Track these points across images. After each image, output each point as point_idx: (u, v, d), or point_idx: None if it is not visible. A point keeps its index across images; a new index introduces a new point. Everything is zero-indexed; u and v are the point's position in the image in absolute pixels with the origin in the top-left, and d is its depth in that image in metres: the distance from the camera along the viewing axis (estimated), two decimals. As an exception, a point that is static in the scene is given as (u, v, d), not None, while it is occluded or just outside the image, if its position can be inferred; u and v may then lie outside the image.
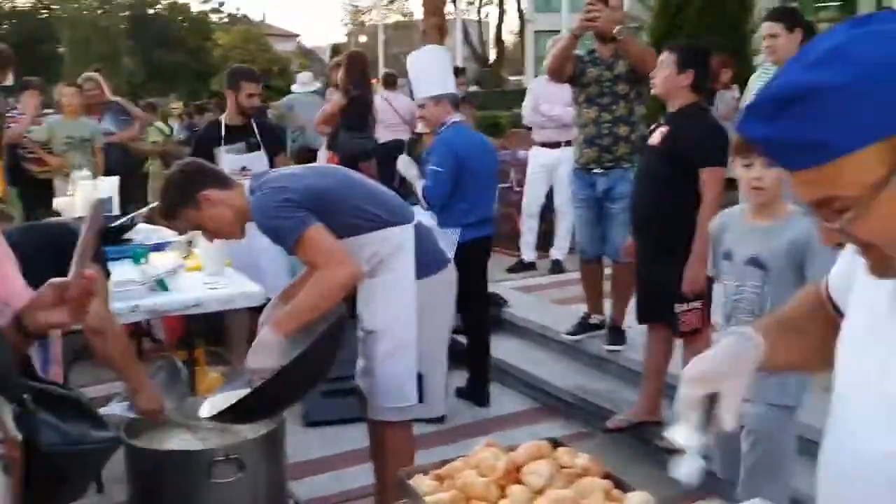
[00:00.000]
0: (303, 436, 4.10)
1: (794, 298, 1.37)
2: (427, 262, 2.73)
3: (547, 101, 6.29)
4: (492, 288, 5.61)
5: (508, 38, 28.35)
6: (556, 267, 6.56)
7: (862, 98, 0.88)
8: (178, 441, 2.56)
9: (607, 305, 4.69)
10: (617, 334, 4.58)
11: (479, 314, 4.53)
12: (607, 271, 4.73)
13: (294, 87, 8.88)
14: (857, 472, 1.05)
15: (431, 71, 4.39)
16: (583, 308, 4.87)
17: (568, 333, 4.80)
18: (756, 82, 4.66)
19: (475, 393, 4.53)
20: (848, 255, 1.18)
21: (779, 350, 1.23)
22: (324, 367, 2.48)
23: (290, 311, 2.56)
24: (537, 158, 6.55)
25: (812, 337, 1.26)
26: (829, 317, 1.25)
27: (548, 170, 6.41)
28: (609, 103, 4.43)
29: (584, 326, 4.77)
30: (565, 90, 6.13)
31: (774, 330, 1.26)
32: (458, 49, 13.47)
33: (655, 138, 3.62)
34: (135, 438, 2.47)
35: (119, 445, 1.77)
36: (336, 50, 15.40)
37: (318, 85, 9.03)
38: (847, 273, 1.18)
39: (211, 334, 4.63)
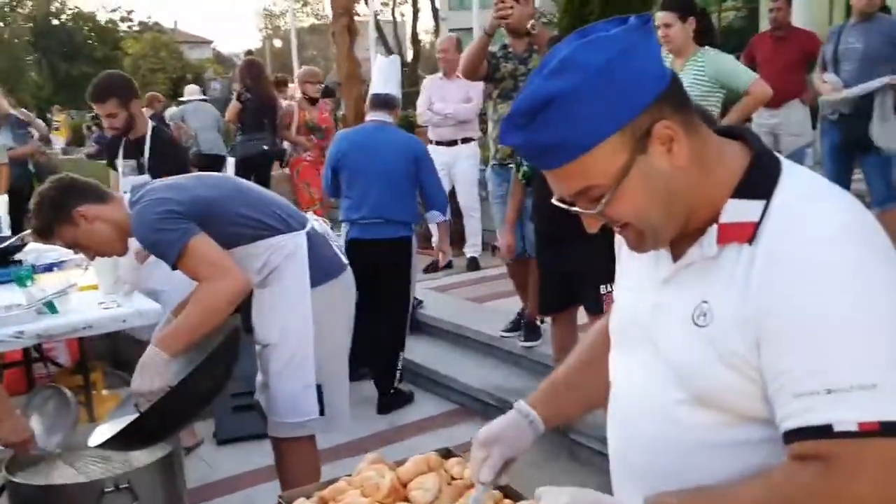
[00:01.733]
0: (214, 455, 3.96)
1: (584, 340, 1.52)
2: (321, 269, 2.64)
3: (441, 99, 6.30)
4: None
5: (424, 37, 28.35)
6: (473, 265, 6.52)
7: (591, 99, 1.03)
8: (64, 474, 2.41)
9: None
10: (532, 330, 4.56)
11: (376, 317, 4.20)
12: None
13: (183, 98, 9.52)
14: (646, 419, 1.19)
15: (375, 77, 4.77)
16: (501, 305, 4.82)
17: (503, 331, 4.71)
18: None
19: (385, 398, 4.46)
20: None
21: (559, 411, 1.46)
22: (218, 384, 2.36)
23: (176, 328, 2.43)
24: (433, 157, 6.50)
25: (594, 385, 1.40)
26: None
27: (446, 168, 6.35)
28: None
29: (518, 324, 4.71)
30: (461, 87, 6.14)
31: (553, 397, 1.45)
32: (372, 50, 13.32)
33: None
34: (19, 474, 2.32)
35: None
36: (249, 55, 15.15)
37: (218, 90, 9.47)
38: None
39: (116, 356, 4.44)
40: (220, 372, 2.31)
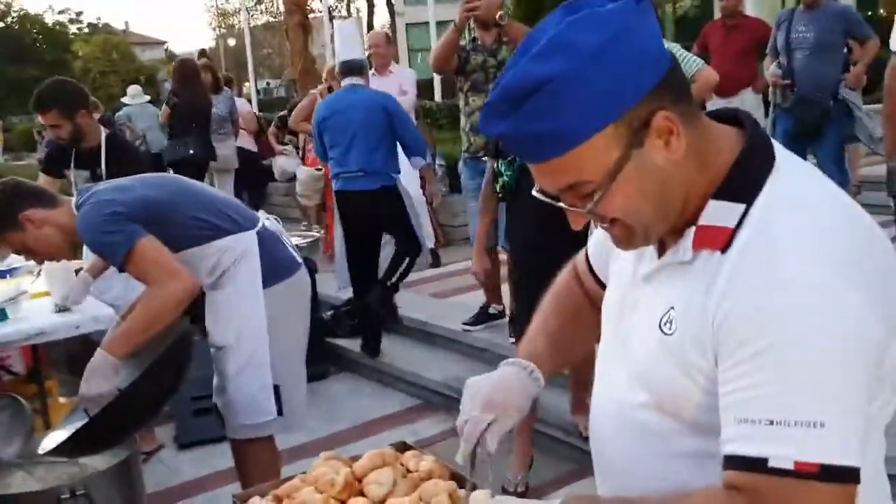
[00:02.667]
0: (175, 458, 3.92)
1: (552, 294, 1.43)
2: (274, 268, 2.61)
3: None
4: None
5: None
6: (435, 261, 6.49)
7: (585, 85, 0.92)
8: (21, 483, 2.36)
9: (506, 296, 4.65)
10: (482, 316, 4.62)
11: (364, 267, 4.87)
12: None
13: (125, 100, 9.28)
14: (613, 418, 1.15)
15: (336, 46, 5.03)
16: (465, 300, 4.82)
17: (465, 324, 4.70)
18: None
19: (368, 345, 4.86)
20: (603, 235, 1.25)
21: (553, 366, 1.32)
22: (170, 387, 2.32)
23: (123, 331, 2.39)
24: None
25: (577, 338, 1.37)
26: (588, 299, 1.36)
27: None
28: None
29: (481, 317, 4.71)
30: (393, 82, 6.08)
31: (546, 352, 1.32)
32: (327, 47, 13.22)
33: None
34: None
35: None
36: (203, 54, 14.96)
37: (147, 97, 9.49)
38: (606, 246, 1.22)
39: (74, 362, 4.36)
40: (172, 375, 2.28)
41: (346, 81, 4.76)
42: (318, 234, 7.90)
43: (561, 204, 1.03)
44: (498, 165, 3.08)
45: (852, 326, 0.90)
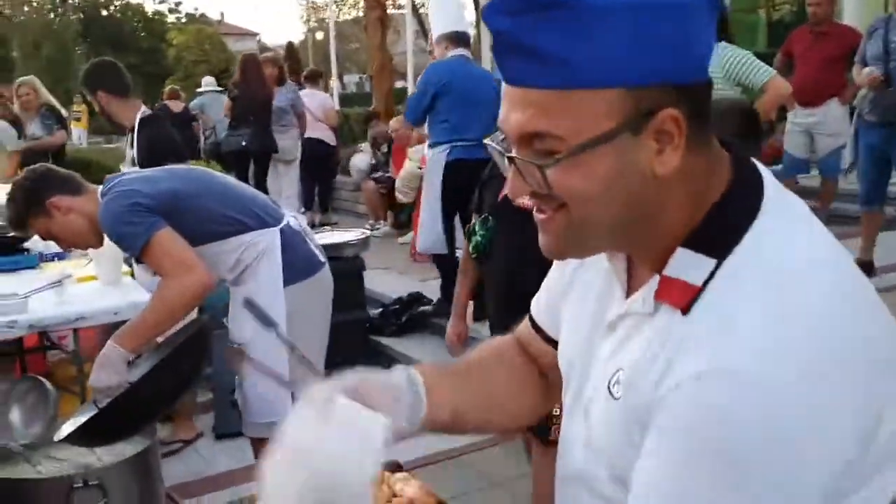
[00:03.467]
0: (211, 449, 3.93)
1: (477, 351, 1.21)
2: (296, 267, 2.57)
3: None
4: (417, 288, 5.48)
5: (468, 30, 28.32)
6: None
7: (618, 27, 0.76)
8: (31, 469, 2.36)
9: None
10: None
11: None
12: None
13: (199, 90, 10.09)
14: (568, 479, 1.00)
15: (436, 14, 5.09)
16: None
17: None
18: None
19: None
20: (556, 275, 1.10)
21: (450, 399, 1.04)
22: (185, 381, 2.28)
23: (135, 324, 2.39)
24: None
25: (496, 385, 1.11)
26: (532, 364, 1.16)
27: None
28: None
29: None
30: None
31: (448, 380, 1.07)
32: (409, 44, 13.22)
33: None
34: (-9, 468, 2.27)
35: None
36: (290, 48, 15.28)
37: (219, 88, 10.21)
38: (559, 290, 1.07)
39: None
40: (187, 369, 2.24)
41: (455, 52, 4.85)
42: (379, 231, 7.90)
43: (511, 154, 0.84)
44: (473, 223, 2.80)
45: (794, 451, 0.73)
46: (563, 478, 1.02)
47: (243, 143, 7.38)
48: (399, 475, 1.51)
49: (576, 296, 1.03)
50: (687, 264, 0.84)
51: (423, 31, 19.56)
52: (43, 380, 2.69)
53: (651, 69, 0.79)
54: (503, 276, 2.67)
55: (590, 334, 0.97)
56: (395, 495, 1.45)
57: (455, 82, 4.77)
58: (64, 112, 7.89)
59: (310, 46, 27.85)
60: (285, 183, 8.09)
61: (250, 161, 7.55)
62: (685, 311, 0.82)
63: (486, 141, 0.92)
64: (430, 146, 5.06)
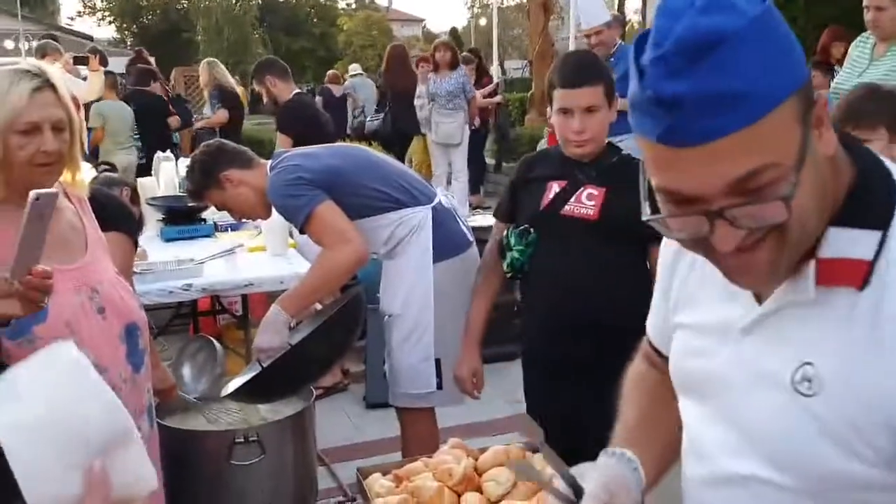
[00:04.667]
0: (363, 417, 4.08)
1: (633, 385, 1.23)
2: (445, 245, 2.64)
3: None
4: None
5: (632, 17, 27.58)
6: None
7: (760, 47, 0.77)
8: (203, 422, 2.55)
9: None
10: None
11: None
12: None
13: (349, 73, 11.11)
14: (719, 493, 0.97)
15: (596, 2, 5.13)
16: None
17: None
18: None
19: None
20: (660, 294, 1.09)
21: (656, 455, 1.11)
22: (339, 349, 2.41)
23: (296, 290, 2.55)
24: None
25: (666, 423, 1.13)
26: (664, 379, 1.12)
27: None
28: None
29: None
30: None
31: (638, 443, 1.11)
32: (571, 30, 13.05)
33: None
34: (166, 418, 2.48)
35: None
36: (453, 33, 15.45)
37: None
38: (662, 312, 1.10)
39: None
40: (341, 338, 2.36)
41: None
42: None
43: (720, 210, 0.80)
44: (508, 234, 2.31)
45: None
46: (706, 482, 1.01)
47: (373, 127, 8.62)
48: (537, 456, 1.52)
49: (688, 309, 1.02)
50: (846, 242, 0.83)
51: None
52: (212, 339, 2.91)
53: (798, 64, 0.81)
54: (545, 302, 2.26)
55: (713, 345, 0.96)
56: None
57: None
58: (240, 92, 8.31)
59: (472, 32, 28.05)
60: (457, 165, 8.25)
61: (384, 143, 8.47)
62: (861, 286, 0.82)
63: (647, 219, 0.87)
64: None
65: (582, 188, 2.21)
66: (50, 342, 1.60)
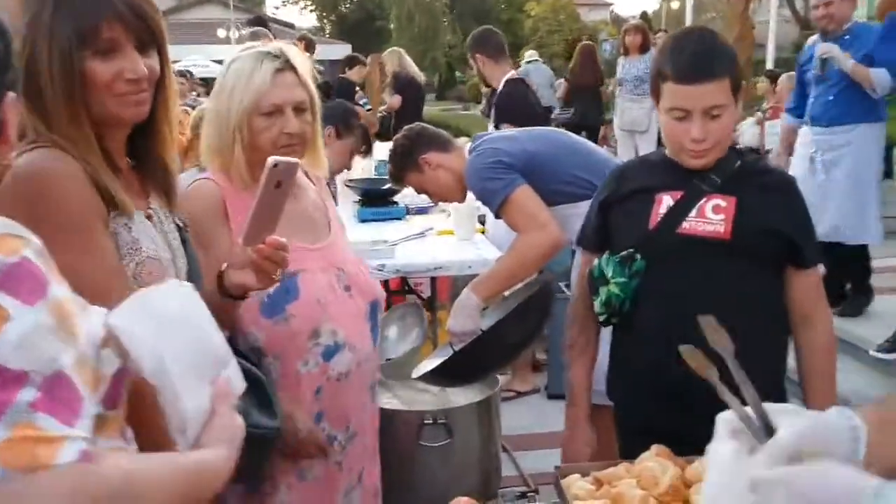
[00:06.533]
0: (542, 407, 4.05)
1: None
2: None
3: None
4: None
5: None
6: None
7: None
8: (395, 401, 2.60)
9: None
10: None
11: None
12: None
13: (524, 59, 11.48)
14: None
15: None
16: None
17: (879, 350, 4.02)
18: None
19: None
20: None
21: (886, 449, 0.92)
22: (528, 336, 2.36)
23: (489, 274, 2.54)
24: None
25: None
26: None
27: None
28: None
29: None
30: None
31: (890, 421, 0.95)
32: (772, 11, 12.26)
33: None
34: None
35: (279, 437, 1.62)
36: (643, 17, 15.06)
37: (608, 52, 12.06)
38: None
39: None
40: (531, 324, 2.31)
41: None
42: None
43: None
44: (601, 265, 1.83)
45: None
46: None
47: (560, 120, 8.89)
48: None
49: None
50: None
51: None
52: (419, 304, 2.97)
53: None
54: (655, 353, 1.69)
55: None
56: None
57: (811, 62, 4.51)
58: (422, 79, 8.58)
59: (664, 16, 27.06)
60: (643, 152, 8.06)
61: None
62: None
63: None
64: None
65: (705, 199, 1.74)
66: (304, 321, 1.69)
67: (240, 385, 1.06)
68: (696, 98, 1.67)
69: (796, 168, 4.59)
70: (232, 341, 1.52)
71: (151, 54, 1.30)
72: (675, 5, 28.11)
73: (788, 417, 0.94)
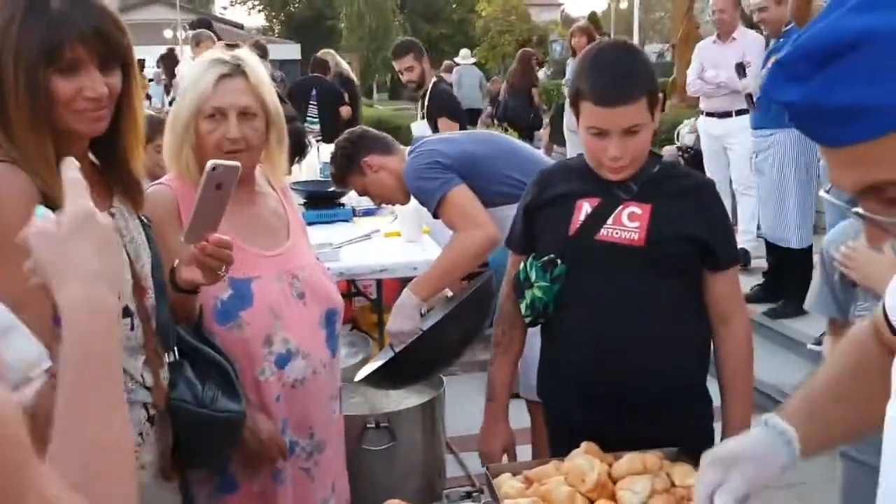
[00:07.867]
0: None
1: (834, 357, 1.19)
2: None
3: (713, 65, 5.44)
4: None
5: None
6: (744, 258, 5.22)
7: None
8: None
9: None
10: None
11: None
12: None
13: (457, 60, 12.31)
14: None
15: None
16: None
17: (817, 344, 4.08)
18: None
19: None
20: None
21: (825, 431, 1.11)
22: (469, 334, 2.38)
23: (427, 274, 2.58)
24: (704, 128, 5.74)
25: (856, 402, 1.10)
26: (881, 363, 1.03)
27: (718, 141, 5.59)
28: None
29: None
30: (736, 52, 5.25)
31: (808, 414, 1.10)
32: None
33: None
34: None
35: (244, 420, 1.65)
36: (592, 18, 15.22)
37: (558, 52, 12.58)
38: None
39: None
40: (472, 323, 2.33)
41: None
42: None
43: (857, 210, 0.78)
44: (526, 268, 1.86)
45: None
46: None
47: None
48: (679, 466, 1.45)
49: None
50: None
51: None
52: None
53: None
54: (578, 355, 1.78)
55: None
56: (673, 484, 1.40)
57: None
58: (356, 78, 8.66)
59: (612, 15, 27.42)
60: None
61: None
62: None
63: (823, 195, 0.86)
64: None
65: (621, 207, 1.77)
66: (257, 329, 1.70)
67: (24, 357, 0.98)
68: (613, 120, 1.69)
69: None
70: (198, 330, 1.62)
71: (114, 72, 1.35)
72: (623, 5, 28.52)
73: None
